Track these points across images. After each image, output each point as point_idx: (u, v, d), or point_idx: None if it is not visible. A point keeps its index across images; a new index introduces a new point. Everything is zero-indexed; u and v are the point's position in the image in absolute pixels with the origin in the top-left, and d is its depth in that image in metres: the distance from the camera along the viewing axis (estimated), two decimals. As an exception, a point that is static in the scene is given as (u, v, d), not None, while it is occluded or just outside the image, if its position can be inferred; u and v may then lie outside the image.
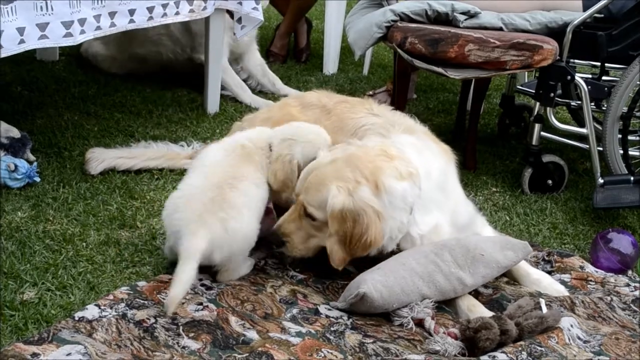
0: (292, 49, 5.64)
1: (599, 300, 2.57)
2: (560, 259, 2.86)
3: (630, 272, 2.85)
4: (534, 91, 3.56)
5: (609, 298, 2.60)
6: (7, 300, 2.26)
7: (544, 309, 2.43)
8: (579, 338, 2.34)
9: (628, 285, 2.72)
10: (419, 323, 2.39)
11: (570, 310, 2.50)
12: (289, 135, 2.66)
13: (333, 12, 5.28)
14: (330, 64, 5.31)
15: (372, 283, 2.38)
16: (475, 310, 2.48)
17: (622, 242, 2.91)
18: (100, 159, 3.22)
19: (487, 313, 2.44)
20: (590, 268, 2.83)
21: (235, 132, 2.92)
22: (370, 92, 4.61)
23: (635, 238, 2.99)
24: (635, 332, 2.43)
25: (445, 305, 2.52)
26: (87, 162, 3.20)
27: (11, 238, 2.63)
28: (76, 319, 2.15)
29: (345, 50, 5.30)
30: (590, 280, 2.75)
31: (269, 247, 2.70)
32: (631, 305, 2.59)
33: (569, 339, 2.31)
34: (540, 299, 2.51)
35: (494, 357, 2.17)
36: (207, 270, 2.49)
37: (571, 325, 2.36)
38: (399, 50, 3.37)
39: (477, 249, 2.53)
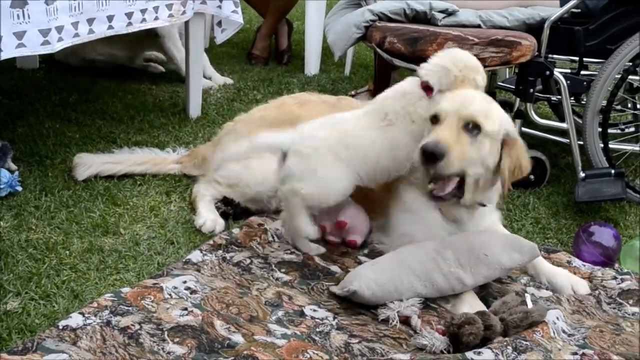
0: (274, 51, 5.63)
1: (585, 297, 2.59)
2: (547, 255, 2.86)
3: (617, 264, 2.87)
4: (514, 87, 3.59)
5: (596, 292, 2.62)
6: (-10, 311, 2.25)
7: (529, 305, 2.44)
8: (564, 331, 2.34)
9: (615, 278, 2.73)
10: (405, 321, 2.39)
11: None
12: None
13: (313, 13, 5.28)
14: (312, 65, 5.31)
15: (365, 280, 2.40)
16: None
17: (604, 235, 2.93)
18: (87, 164, 3.21)
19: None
20: (577, 262, 2.84)
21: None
22: (352, 92, 4.60)
23: (617, 230, 3.02)
24: (619, 326, 2.44)
25: (440, 298, 2.51)
26: (75, 168, 3.19)
27: (-7, 248, 2.61)
28: (60, 327, 2.13)
29: (327, 51, 5.28)
30: (578, 275, 2.76)
31: (253, 249, 2.72)
32: (617, 298, 2.60)
33: (553, 333, 2.31)
34: (526, 295, 2.52)
35: (479, 352, 2.17)
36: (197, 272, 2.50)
37: (557, 318, 2.37)
38: (378, 49, 3.37)
39: (482, 249, 2.52)
